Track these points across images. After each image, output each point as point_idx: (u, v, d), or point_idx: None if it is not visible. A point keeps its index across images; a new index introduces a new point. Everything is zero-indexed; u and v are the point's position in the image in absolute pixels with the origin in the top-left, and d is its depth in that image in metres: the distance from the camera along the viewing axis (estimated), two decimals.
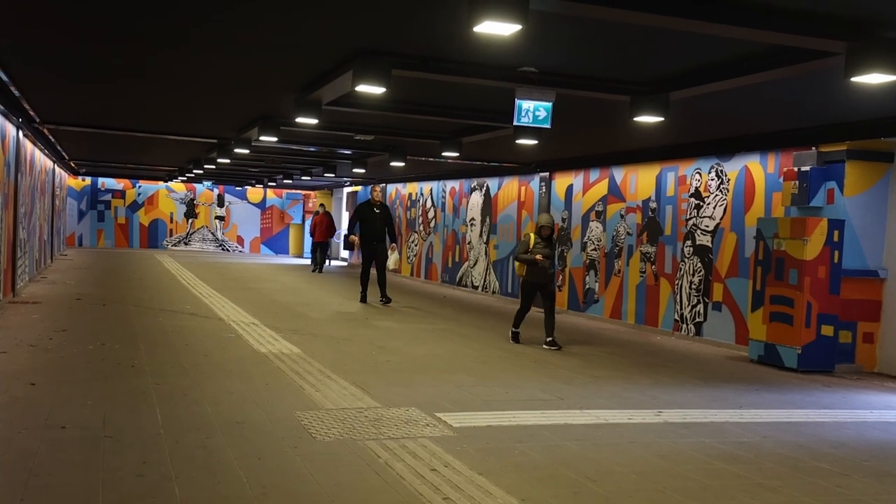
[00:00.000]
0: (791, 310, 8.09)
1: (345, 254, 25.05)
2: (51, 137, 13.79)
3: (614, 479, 4.15)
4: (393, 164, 13.40)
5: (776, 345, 8.25)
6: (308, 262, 22.25)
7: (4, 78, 7.90)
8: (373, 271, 12.49)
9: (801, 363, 7.97)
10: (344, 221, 26.10)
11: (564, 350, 8.71)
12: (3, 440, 4.28)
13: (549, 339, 8.68)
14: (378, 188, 12.72)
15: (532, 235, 8.88)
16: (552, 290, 8.97)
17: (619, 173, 11.82)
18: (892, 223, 8.32)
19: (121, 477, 3.78)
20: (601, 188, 12.24)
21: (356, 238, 12.48)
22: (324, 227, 19.96)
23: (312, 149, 13.65)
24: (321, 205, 21.41)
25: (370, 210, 12.34)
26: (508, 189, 15.03)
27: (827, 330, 8.04)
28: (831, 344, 8.08)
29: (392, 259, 12.89)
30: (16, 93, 8.88)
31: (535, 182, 14.04)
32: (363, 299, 12.39)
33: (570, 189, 13.05)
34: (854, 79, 4.86)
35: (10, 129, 10.43)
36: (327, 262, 21.63)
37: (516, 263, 9.12)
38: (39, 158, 14.77)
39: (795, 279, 8.07)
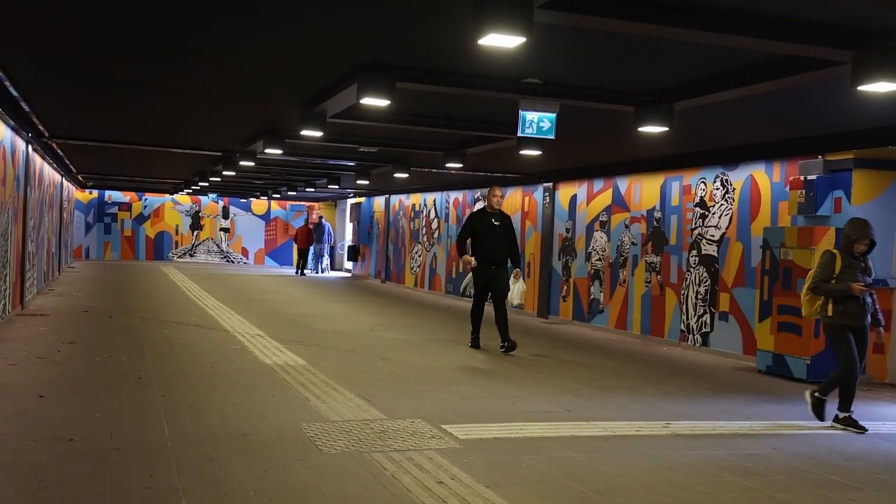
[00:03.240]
0: (799, 320, 8.05)
1: (348, 265, 25.10)
2: (59, 151, 13.88)
3: (623, 492, 4.13)
4: (397, 175, 13.43)
5: (784, 355, 8.21)
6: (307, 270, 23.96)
7: (15, 93, 7.96)
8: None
9: (811, 374, 7.92)
10: (347, 233, 26.24)
11: (570, 361, 8.69)
12: (12, 452, 4.28)
13: (842, 416, 5.93)
14: (499, 191, 9.03)
15: (837, 254, 6.02)
16: (866, 336, 6.09)
17: (623, 183, 11.82)
18: None
19: (129, 489, 3.78)
20: (605, 198, 12.23)
21: (471, 258, 8.93)
22: (303, 236, 23.57)
23: (317, 161, 13.69)
24: (305, 217, 25.32)
25: (487, 221, 8.85)
26: (512, 200, 15.04)
27: None
28: None
29: (516, 290, 9.28)
30: (26, 108, 8.94)
31: (538, 192, 14.05)
32: (474, 343, 9.08)
33: (573, 199, 13.05)
34: (860, 87, 4.85)
35: (20, 144, 10.50)
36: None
37: (805, 298, 6.17)
38: (48, 172, 14.85)
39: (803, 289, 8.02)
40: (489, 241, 8.83)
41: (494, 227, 8.85)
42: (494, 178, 14.69)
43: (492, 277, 8.89)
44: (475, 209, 9.75)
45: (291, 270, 24.85)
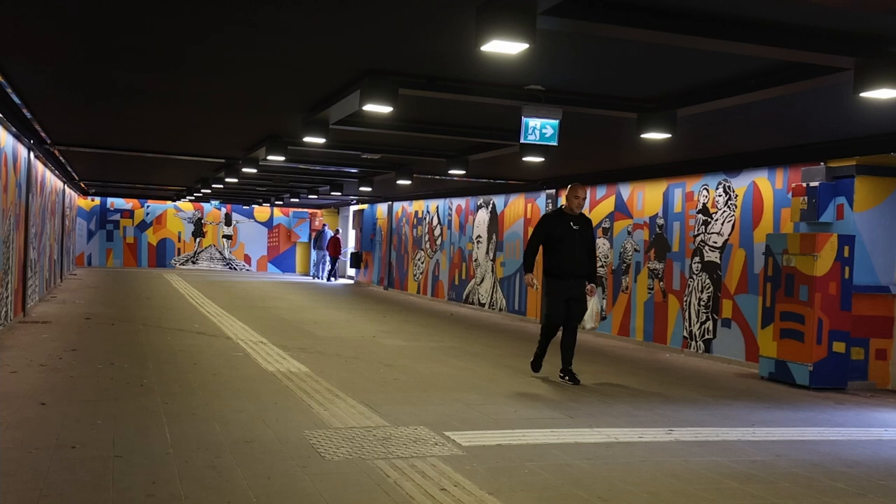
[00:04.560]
0: (802, 326, 8.03)
1: (351, 272, 25.13)
2: (61, 159, 13.92)
3: (626, 498, 4.11)
4: (399, 182, 13.44)
5: (787, 362, 8.19)
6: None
7: (17, 100, 7.98)
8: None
9: (813, 380, 7.89)
10: (350, 240, 26.29)
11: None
12: (14, 460, 4.27)
13: None
14: (582, 191, 7.63)
15: None
16: None
17: (625, 190, 11.82)
18: None
19: (130, 497, 3.77)
20: (608, 205, 12.23)
21: (534, 279, 7.63)
22: (332, 245, 24.12)
23: (319, 168, 13.71)
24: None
25: (565, 226, 7.52)
26: (515, 206, 15.05)
27: (839, 346, 7.97)
28: (843, 361, 8.01)
29: (591, 307, 7.70)
30: (28, 115, 8.97)
31: (541, 199, 14.05)
32: (536, 365, 7.74)
33: None
34: (863, 94, 4.85)
35: (22, 151, 10.52)
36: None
37: None
38: (50, 179, 14.88)
39: (806, 295, 8.02)
40: (568, 250, 7.44)
41: (574, 232, 7.49)
42: (497, 184, 14.70)
43: (569, 290, 7.43)
44: (549, 211, 7.79)
45: (296, 278, 24.92)
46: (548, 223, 7.68)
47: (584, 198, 7.69)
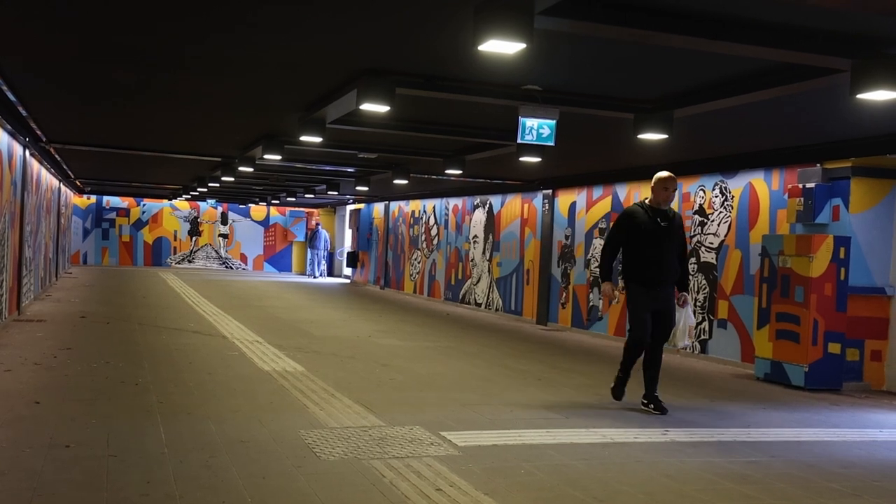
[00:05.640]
0: (797, 327, 8.05)
1: (347, 271, 25.12)
2: (57, 157, 13.88)
3: (622, 499, 4.11)
4: (396, 181, 13.43)
5: (783, 362, 8.20)
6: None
7: (12, 98, 7.96)
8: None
9: (809, 381, 7.91)
10: (347, 240, 26.29)
11: (569, 368, 8.66)
12: (7, 459, 4.25)
13: None
14: (673, 182, 6.41)
15: None
16: None
17: (622, 190, 11.83)
18: None
19: (125, 496, 3.75)
20: (605, 205, 12.24)
21: (612, 290, 6.53)
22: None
23: (316, 167, 13.70)
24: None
25: (650, 223, 6.35)
26: (511, 206, 15.05)
27: (834, 348, 7.99)
28: (838, 362, 8.02)
29: (683, 322, 6.43)
30: (23, 113, 8.94)
31: (538, 199, 14.05)
32: (618, 392, 6.53)
33: (573, 206, 13.05)
34: (860, 96, 4.86)
35: (17, 149, 10.49)
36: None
37: None
38: (45, 177, 14.84)
39: (801, 296, 8.03)
40: (654, 252, 6.30)
41: (661, 230, 6.33)
42: (494, 184, 14.70)
43: (657, 300, 6.31)
44: (630, 206, 6.58)
45: (292, 277, 24.94)
46: (630, 220, 6.43)
47: (675, 190, 6.45)
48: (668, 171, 6.48)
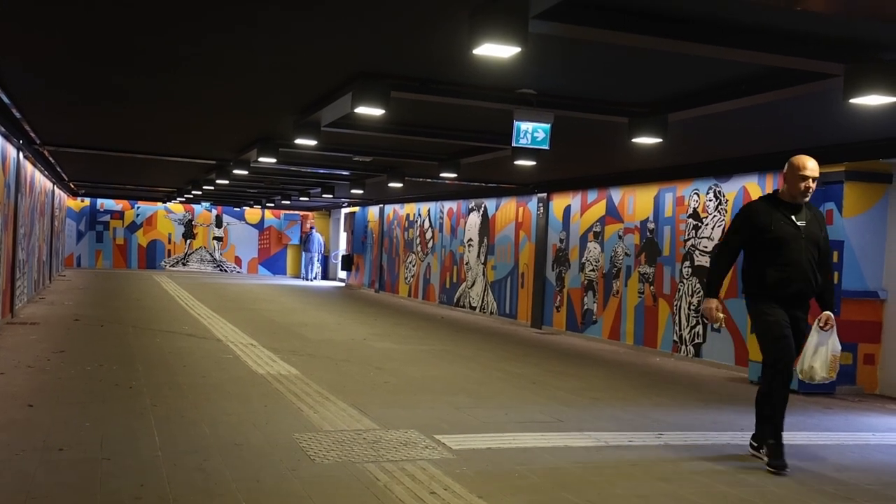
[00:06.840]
0: None
1: (342, 274, 25.10)
2: (51, 159, 13.83)
3: (616, 502, 4.11)
4: (391, 185, 13.44)
5: None
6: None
7: (6, 100, 7.93)
8: None
9: (802, 385, 7.91)
10: (341, 243, 26.26)
11: (563, 371, 8.67)
12: (0, 462, 4.24)
13: None
14: (812, 169, 5.09)
15: None
16: None
17: (616, 194, 11.86)
18: (892, 244, 8.33)
19: (118, 500, 3.74)
20: (599, 209, 12.26)
21: (719, 310, 5.11)
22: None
23: (311, 170, 13.69)
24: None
25: (784, 222, 5.06)
26: (506, 210, 15.07)
27: None
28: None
29: (822, 353, 5.01)
30: (17, 115, 8.91)
31: (532, 203, 14.07)
32: (775, 455, 4.90)
33: (567, 210, 13.08)
34: (853, 100, 4.88)
35: (11, 151, 10.46)
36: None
37: None
38: (39, 180, 14.79)
39: None
40: (787, 258, 4.97)
41: (797, 231, 5.03)
42: (489, 188, 14.72)
43: (793, 322, 5.01)
44: (755, 200, 5.28)
45: (287, 280, 24.92)
46: (752, 217, 5.09)
47: (815, 180, 5.04)
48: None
